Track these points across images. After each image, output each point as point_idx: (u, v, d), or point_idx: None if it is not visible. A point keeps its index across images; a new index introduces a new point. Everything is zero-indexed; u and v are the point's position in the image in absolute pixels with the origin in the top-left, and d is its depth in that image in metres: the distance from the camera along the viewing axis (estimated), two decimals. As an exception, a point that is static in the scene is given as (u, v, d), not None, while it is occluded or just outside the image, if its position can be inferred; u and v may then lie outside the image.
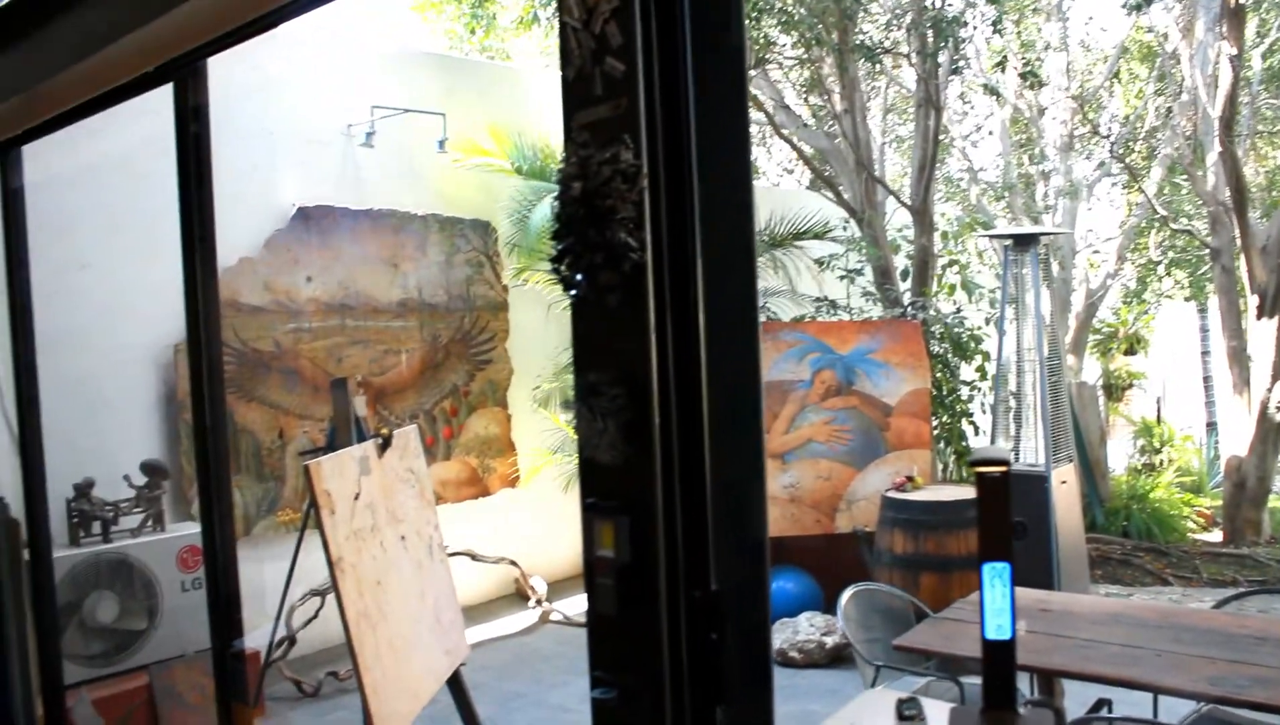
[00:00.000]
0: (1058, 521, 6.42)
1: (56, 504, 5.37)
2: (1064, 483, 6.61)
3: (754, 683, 2.19)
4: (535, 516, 7.67)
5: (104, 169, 5.87)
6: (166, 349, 6.12)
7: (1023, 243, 6.71)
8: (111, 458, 5.80)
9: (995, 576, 2.26)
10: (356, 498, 4.32)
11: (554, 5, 8.03)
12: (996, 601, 2.28)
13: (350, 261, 6.73)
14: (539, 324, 7.66)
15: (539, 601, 7.17)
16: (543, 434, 7.61)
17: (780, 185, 11.25)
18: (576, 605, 7.29)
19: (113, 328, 5.92)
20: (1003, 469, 2.24)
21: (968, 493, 6.16)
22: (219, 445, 3.45)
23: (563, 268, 2.09)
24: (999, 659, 2.39)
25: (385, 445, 4.61)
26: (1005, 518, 2.29)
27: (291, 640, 6.12)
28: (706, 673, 2.14)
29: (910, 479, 6.23)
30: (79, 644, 5.43)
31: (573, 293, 2.11)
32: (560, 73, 2.18)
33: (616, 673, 2.16)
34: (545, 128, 7.57)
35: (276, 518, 6.45)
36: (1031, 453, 6.71)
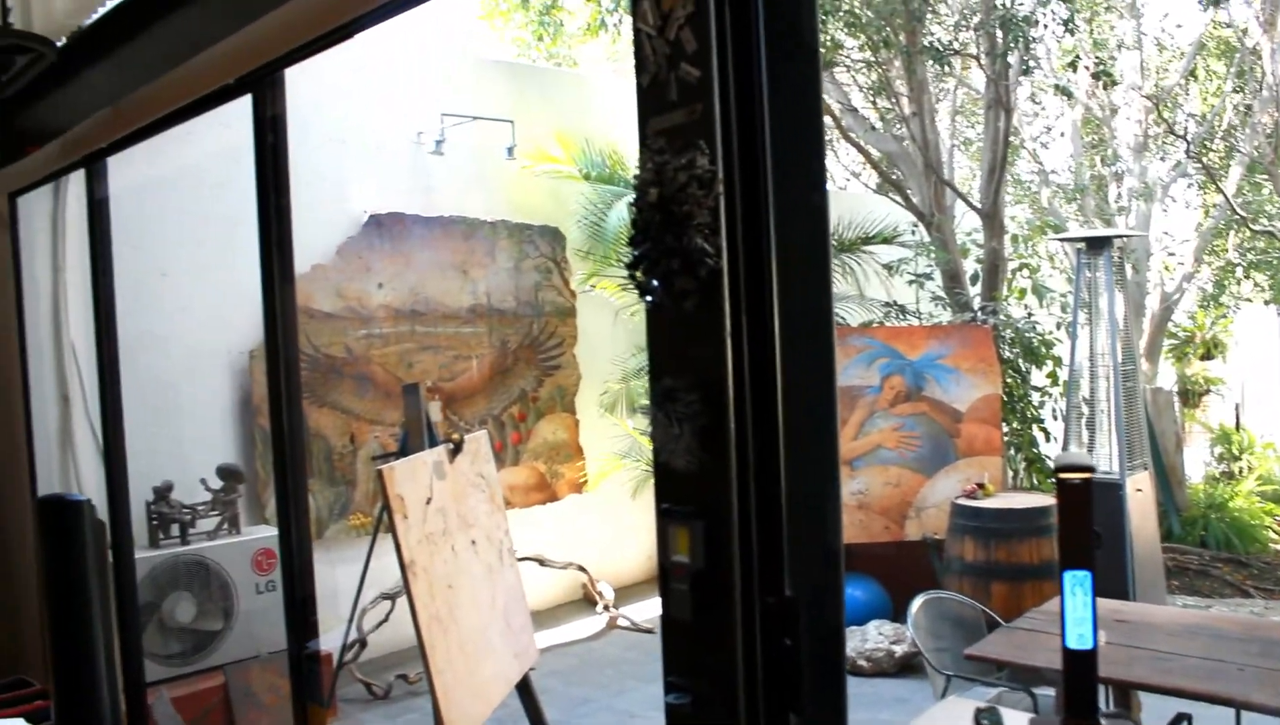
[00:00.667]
0: (1133, 530, 6.30)
1: (137, 506, 5.49)
2: (1139, 491, 6.49)
3: (828, 690, 2.18)
4: (603, 522, 7.70)
5: (181, 179, 6.01)
6: (242, 355, 6.23)
7: (1096, 246, 6.60)
8: (189, 462, 5.92)
9: (1076, 584, 2.23)
10: (428, 502, 4.37)
11: (622, 12, 8.07)
12: (1078, 610, 2.25)
13: (421, 268, 6.81)
14: (606, 329, 7.68)
15: (606, 607, 7.19)
16: (610, 439, 7.63)
17: (847, 189, 11.18)
18: (644, 611, 7.31)
19: (191, 334, 6.04)
20: (1085, 475, 2.21)
21: (1040, 500, 6.08)
22: (295, 449, 3.50)
23: (639, 274, 2.10)
24: (1080, 669, 2.35)
25: (457, 450, 4.66)
26: (1087, 525, 2.26)
27: (363, 643, 6.20)
28: (780, 679, 2.14)
29: (981, 486, 6.15)
30: (158, 643, 5.55)
31: (648, 298, 2.11)
32: (634, 79, 2.19)
33: (691, 678, 2.16)
34: (613, 133, 7.59)
35: (348, 521, 6.54)
36: (1106, 460, 6.58)
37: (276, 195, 3.41)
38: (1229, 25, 10.57)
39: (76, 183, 5.37)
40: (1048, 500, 6.03)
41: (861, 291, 7.47)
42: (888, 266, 7.70)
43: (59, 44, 3.78)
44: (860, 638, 6.15)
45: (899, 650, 6.02)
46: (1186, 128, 10.78)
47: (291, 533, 3.50)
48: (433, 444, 4.59)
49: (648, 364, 2.19)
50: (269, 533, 5.93)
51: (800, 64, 2.17)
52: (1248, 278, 11.24)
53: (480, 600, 4.63)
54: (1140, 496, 6.46)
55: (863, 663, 6.04)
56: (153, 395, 5.69)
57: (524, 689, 4.92)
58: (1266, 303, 11.87)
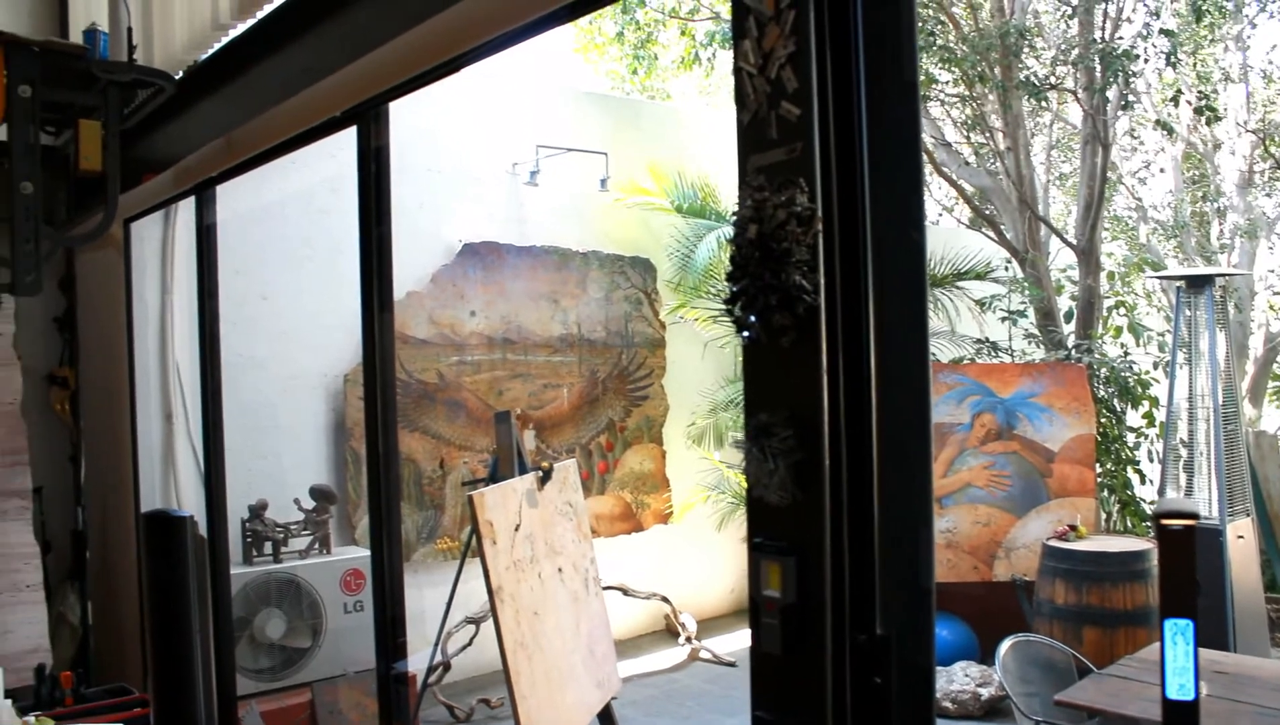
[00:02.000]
0: (1234, 579, 6.11)
1: (232, 524, 5.64)
2: (1240, 538, 6.29)
3: (915, 733, 2.16)
4: (687, 554, 7.69)
5: (284, 207, 6.19)
6: (337, 378, 6.37)
7: (1197, 284, 6.45)
8: (283, 481, 6.06)
9: (1178, 633, 2.18)
10: (517, 529, 4.42)
11: (716, 46, 8.13)
12: (1179, 660, 2.20)
13: (513, 297, 6.91)
14: (695, 361, 7.70)
15: (689, 639, 7.17)
16: (697, 471, 7.63)
17: (939, 224, 11.07)
18: (727, 644, 7.27)
19: (289, 357, 6.20)
20: (1189, 522, 2.16)
21: (1135, 544, 5.93)
22: (390, 472, 3.57)
23: (736, 309, 2.12)
24: (1181, 720, 2.29)
25: (546, 478, 4.71)
26: (1190, 572, 2.21)
27: (447, 665, 6.26)
28: (870, 718, 2.12)
29: (1073, 528, 6.02)
30: (248, 658, 5.67)
31: (745, 334, 2.13)
32: (735, 116, 2.22)
33: (779, 713, 2.16)
34: (705, 166, 7.64)
35: (436, 545, 6.63)
36: (1205, 505, 6.40)
37: (378, 224, 3.50)
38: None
39: (185, 209, 5.58)
40: (1143, 544, 5.88)
41: (953, 327, 7.39)
42: (980, 302, 7.60)
43: (176, 77, 3.93)
44: (946, 679, 6.05)
45: (985, 693, 5.91)
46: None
47: (384, 554, 3.56)
48: (523, 471, 4.64)
49: (743, 398, 2.20)
50: (358, 553, 6.03)
51: (900, 102, 2.17)
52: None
53: (565, 628, 4.66)
54: (1242, 544, 6.27)
55: (948, 704, 5.93)
56: (251, 416, 5.85)
57: (605, 718, 4.93)
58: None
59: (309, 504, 5.98)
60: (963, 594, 6.50)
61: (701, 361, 7.72)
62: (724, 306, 2.15)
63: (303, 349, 6.25)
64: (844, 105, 2.10)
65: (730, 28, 2.25)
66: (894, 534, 2.11)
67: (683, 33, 8.38)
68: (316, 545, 5.97)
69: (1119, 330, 7.89)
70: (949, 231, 9.97)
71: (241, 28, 4.05)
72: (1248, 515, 6.48)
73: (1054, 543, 5.90)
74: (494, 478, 4.72)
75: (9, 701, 3.72)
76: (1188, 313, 6.54)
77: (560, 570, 4.73)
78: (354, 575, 5.95)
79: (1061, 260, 8.96)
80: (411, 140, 6.54)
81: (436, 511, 6.64)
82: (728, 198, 7.59)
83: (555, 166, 7.08)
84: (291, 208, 6.20)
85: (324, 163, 5.99)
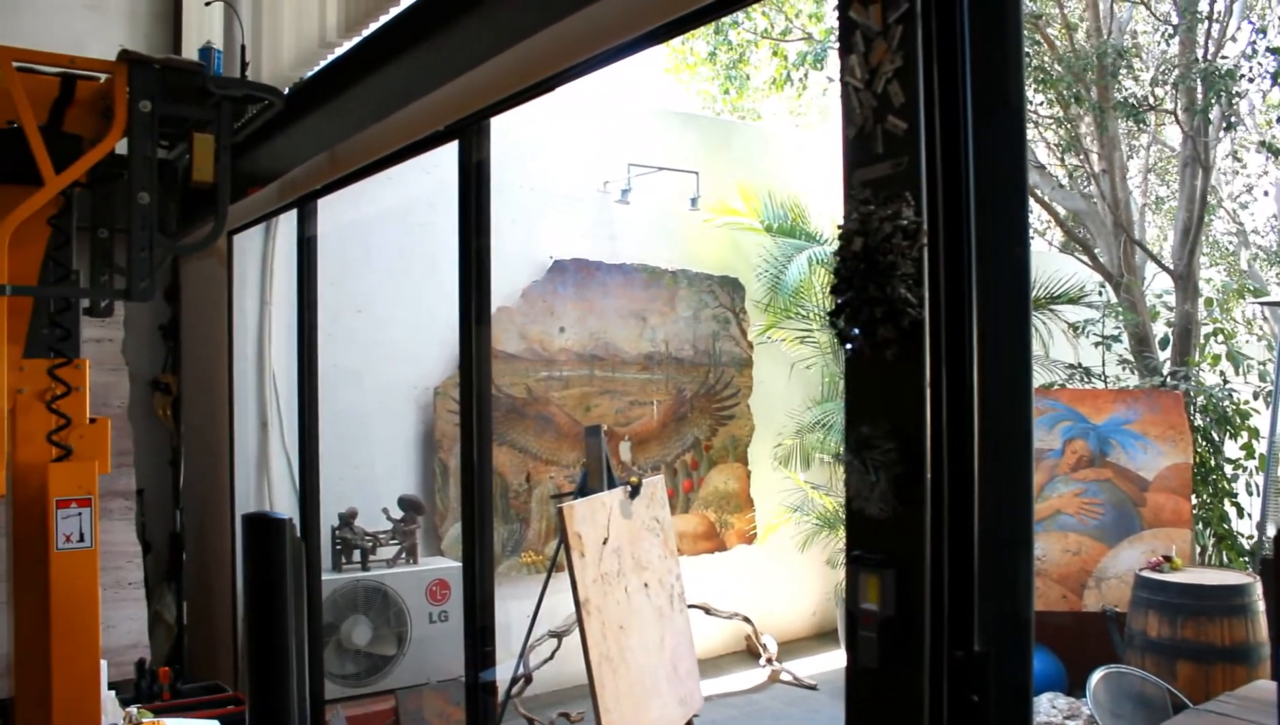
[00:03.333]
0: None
1: (323, 531, 5.76)
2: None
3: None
4: (770, 575, 7.65)
5: (379, 222, 6.31)
6: (427, 391, 6.47)
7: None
8: (372, 491, 6.16)
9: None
10: (605, 542, 4.45)
11: (808, 67, 8.13)
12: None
13: (601, 313, 6.96)
14: (782, 382, 7.68)
15: (769, 660, 7.12)
16: (781, 492, 7.59)
17: (1030, 247, 10.88)
18: (807, 666, 7.21)
19: (381, 369, 6.31)
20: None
21: (1234, 578, 5.76)
22: (484, 483, 3.62)
23: (840, 322, 2.13)
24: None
25: (635, 493, 4.73)
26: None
27: (528, 678, 6.29)
28: (969, 738, 2.10)
29: (1168, 559, 5.87)
30: (334, 663, 5.76)
31: (848, 346, 2.14)
32: (840, 131, 2.23)
33: (876, 726, 2.15)
34: (794, 187, 7.63)
35: (520, 558, 6.68)
36: (1309, 540, 6.21)
37: (477, 237, 3.57)
38: None
39: (285, 222, 5.73)
40: (1244, 578, 5.71)
41: (1046, 352, 7.26)
42: (1074, 327, 7.47)
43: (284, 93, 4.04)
44: (1033, 709, 5.93)
45: (1075, 726, 5.78)
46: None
47: (475, 564, 3.61)
48: (611, 485, 4.68)
49: (845, 410, 2.20)
50: (444, 564, 6.11)
51: (1005, 121, 2.17)
52: None
53: (649, 643, 4.67)
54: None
55: (1036, 736, 5.82)
56: (344, 426, 5.95)
57: (688, 735, 4.93)
58: None
59: (397, 513, 6.07)
60: (1051, 623, 6.36)
61: (788, 383, 7.69)
62: (828, 318, 2.16)
63: (395, 361, 6.36)
64: (950, 120, 2.10)
65: (837, 43, 2.26)
66: (993, 551, 2.09)
67: (774, 53, 8.40)
68: (404, 555, 6.05)
69: (1217, 358, 7.69)
70: (1041, 255, 9.81)
71: (347, 45, 4.17)
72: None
73: (1148, 573, 5.76)
74: (583, 491, 4.76)
75: (112, 693, 3.84)
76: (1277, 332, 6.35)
77: (646, 585, 4.74)
78: (439, 585, 6.03)
79: (1157, 285, 8.78)
80: (504, 157, 6.62)
81: (522, 525, 6.69)
82: (817, 219, 7.58)
83: (646, 185, 7.13)
84: (388, 222, 6.33)
85: (421, 178, 6.12)
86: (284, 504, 5.99)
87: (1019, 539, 2.15)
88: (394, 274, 6.35)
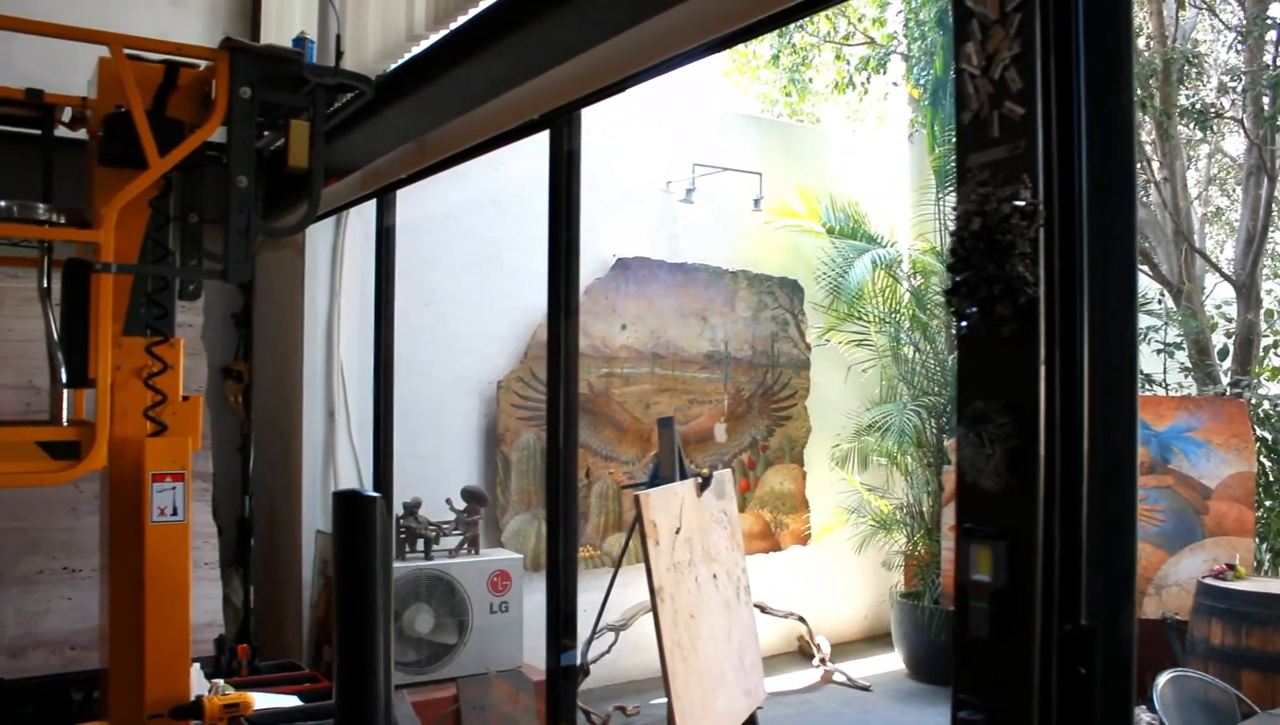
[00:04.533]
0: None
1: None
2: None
3: None
4: (824, 576, 7.67)
5: (445, 217, 6.39)
6: (491, 385, 6.54)
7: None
8: (436, 481, 6.23)
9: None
10: (678, 532, 4.49)
11: (870, 70, 8.17)
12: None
13: (662, 312, 7.01)
14: (839, 384, 7.70)
15: (823, 660, 7.14)
16: (837, 494, 7.62)
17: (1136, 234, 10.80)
18: (860, 668, 7.23)
19: (446, 362, 6.39)
20: None
21: (1299, 586, 5.73)
22: (569, 468, 3.68)
23: (956, 300, 2.17)
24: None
25: (705, 485, 4.78)
26: None
27: (586, 671, 6.34)
28: (1074, 709, 2.14)
29: (1231, 567, 5.83)
30: (397, 651, 5.83)
31: (963, 324, 2.19)
32: (955, 116, 2.28)
33: (984, 697, 2.19)
34: (853, 190, 7.67)
35: (579, 553, 6.73)
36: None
37: (567, 227, 3.63)
38: None
39: (355, 215, 5.83)
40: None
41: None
42: (1143, 333, 7.46)
43: (374, 82, 4.12)
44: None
45: (1135, 732, 5.76)
46: None
47: (559, 548, 3.66)
48: (683, 477, 4.73)
49: (956, 385, 2.25)
50: (506, 555, 6.17)
51: (1116, 109, 2.22)
52: None
53: (718, 633, 4.72)
54: None
55: (1095, 741, 5.79)
56: (409, 417, 6.02)
57: (751, 727, 4.97)
58: None
59: (460, 505, 6.14)
60: (1112, 629, 6.34)
61: (845, 385, 7.72)
62: (945, 297, 2.21)
63: (460, 355, 6.43)
64: (1065, 106, 2.16)
65: (953, 31, 2.31)
66: (1100, 525, 2.13)
67: (837, 57, 8.45)
68: (466, 545, 6.12)
69: (1276, 371, 7.64)
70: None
71: (434, 38, 4.25)
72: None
73: (1211, 581, 5.73)
74: (655, 480, 4.81)
75: (196, 664, 3.93)
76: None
77: (715, 577, 4.79)
78: (500, 576, 6.08)
79: (1217, 295, 8.73)
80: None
81: (581, 519, 6.75)
82: (876, 222, 7.61)
83: (708, 185, 7.18)
84: (454, 218, 6.41)
85: (487, 174, 6.21)
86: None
87: (1124, 516, 2.19)
88: (460, 269, 6.43)
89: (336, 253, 6.02)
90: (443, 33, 4.16)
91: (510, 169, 6.42)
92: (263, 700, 4.10)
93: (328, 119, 4.27)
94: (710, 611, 4.65)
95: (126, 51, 3.58)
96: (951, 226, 2.11)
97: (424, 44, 4.29)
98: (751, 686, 4.93)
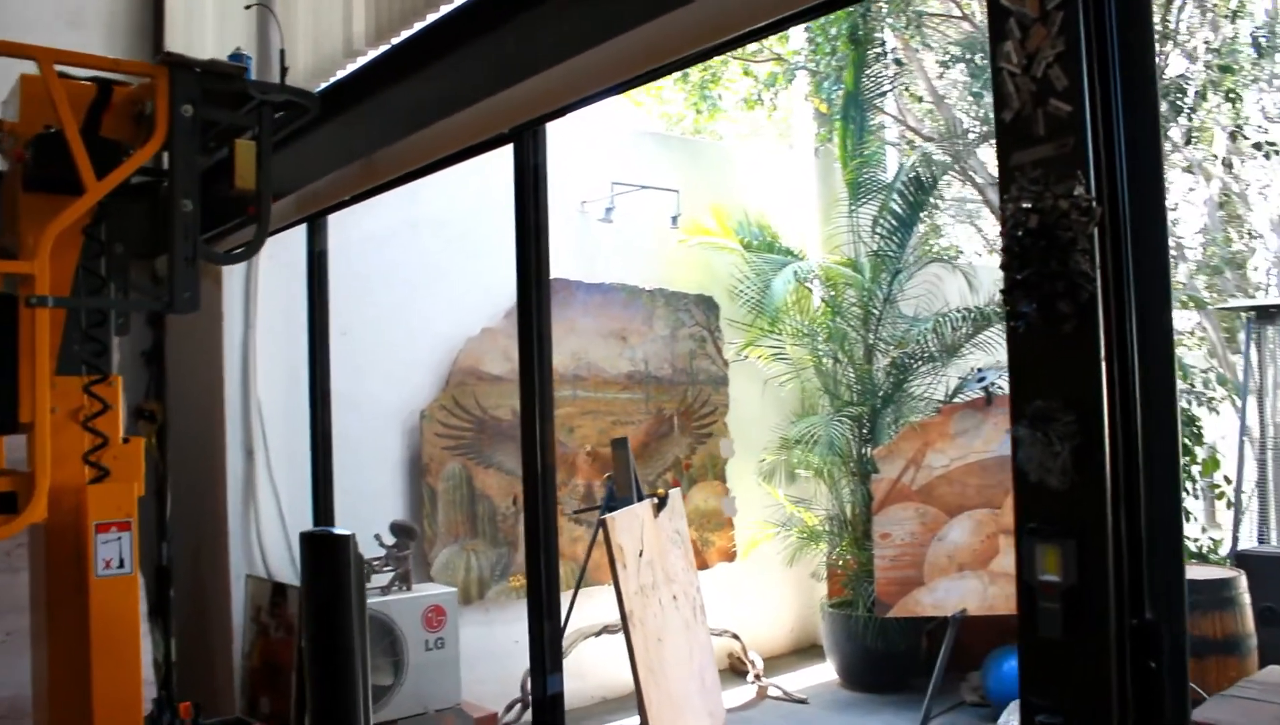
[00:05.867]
0: (1315, 607, 6.12)
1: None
2: (1317, 568, 6.31)
3: (1179, 719, 2.17)
4: (752, 591, 7.65)
5: (356, 246, 6.15)
6: (413, 414, 6.34)
7: (1267, 315, 6.52)
8: (361, 516, 5.98)
9: None
10: (640, 554, 4.40)
11: (779, 87, 8.23)
12: None
13: (583, 333, 6.91)
14: (756, 399, 7.71)
15: (757, 676, 7.10)
16: (762, 508, 7.61)
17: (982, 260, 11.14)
18: (793, 681, 7.22)
19: (365, 392, 6.15)
20: None
21: (1221, 573, 5.94)
22: (548, 493, 3.55)
23: (1014, 298, 2.15)
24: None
25: (661, 505, 4.69)
26: None
27: (525, 703, 6.18)
28: (1146, 704, 2.13)
29: (1157, 559, 6.02)
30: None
31: (1017, 323, 2.17)
32: (994, 115, 2.27)
33: (1061, 698, 2.16)
34: (761, 205, 7.71)
35: (509, 583, 6.56)
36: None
37: (537, 238, 3.52)
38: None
39: (272, 241, 5.57)
40: (1230, 573, 5.89)
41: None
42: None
43: (316, 100, 3.94)
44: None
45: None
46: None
47: (541, 574, 3.52)
48: (640, 498, 4.63)
49: (1011, 385, 2.22)
50: (439, 589, 5.96)
51: (1147, 103, 2.24)
52: None
53: (681, 656, 4.63)
54: (1321, 573, 6.28)
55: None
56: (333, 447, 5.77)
57: (715, 750, 4.89)
58: None
59: (389, 539, 5.92)
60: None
61: (762, 399, 7.73)
62: (1001, 296, 2.18)
63: (380, 384, 6.21)
64: (1105, 103, 2.17)
65: (987, 31, 2.30)
66: (1157, 518, 2.14)
67: (745, 72, 8.49)
68: (398, 582, 5.89)
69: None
70: (995, 271, 10.03)
71: (373, 54, 4.09)
72: (1324, 545, 6.50)
73: (1139, 573, 5.89)
74: (610, 503, 4.70)
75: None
76: (1254, 348, 6.60)
77: (675, 598, 4.70)
78: (435, 612, 5.87)
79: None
80: (490, 179, 6.58)
81: (510, 549, 6.58)
82: (787, 235, 7.66)
83: (625, 204, 7.12)
84: (369, 245, 6.18)
85: (403, 200, 6.04)
86: (272, 533, 5.81)
87: (1173, 508, 2.19)
88: (376, 297, 6.20)
89: (251, 282, 5.75)
90: (384, 48, 4.02)
91: (428, 192, 6.25)
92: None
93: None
94: (673, 634, 4.57)
95: (55, 68, 3.34)
96: (1002, 227, 2.09)
97: (361, 60, 4.13)
98: (714, 708, 4.85)
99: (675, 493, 5.04)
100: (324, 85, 4.24)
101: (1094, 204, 2.08)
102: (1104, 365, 2.09)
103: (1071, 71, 2.13)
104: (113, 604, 3.46)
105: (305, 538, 3.39)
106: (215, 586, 5.51)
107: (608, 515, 4.15)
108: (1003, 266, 2.16)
